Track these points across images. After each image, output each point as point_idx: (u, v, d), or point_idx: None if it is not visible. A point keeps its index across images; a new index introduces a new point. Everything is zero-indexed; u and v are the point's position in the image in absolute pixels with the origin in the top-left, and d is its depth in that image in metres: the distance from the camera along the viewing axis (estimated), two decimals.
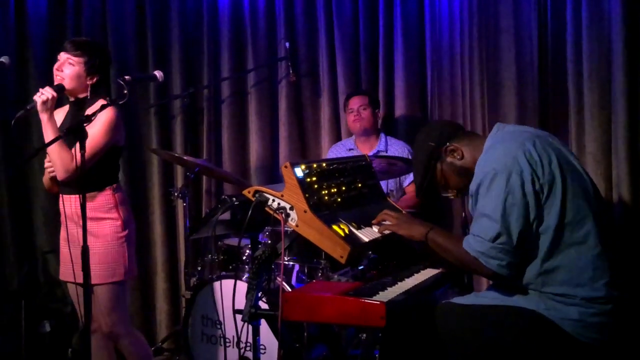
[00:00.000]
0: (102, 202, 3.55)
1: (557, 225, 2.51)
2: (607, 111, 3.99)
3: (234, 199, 3.23)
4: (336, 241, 2.65)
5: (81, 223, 3.34)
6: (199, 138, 5.33)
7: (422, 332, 2.72)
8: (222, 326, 3.96)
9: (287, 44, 5.14)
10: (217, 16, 5.30)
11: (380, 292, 2.56)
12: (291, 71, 5.13)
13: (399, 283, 2.73)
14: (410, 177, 4.81)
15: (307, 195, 2.74)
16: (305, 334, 3.52)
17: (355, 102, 4.93)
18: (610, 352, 2.55)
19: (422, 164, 2.84)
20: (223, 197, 3.36)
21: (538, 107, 4.33)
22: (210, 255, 4.77)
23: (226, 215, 3.57)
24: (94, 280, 3.46)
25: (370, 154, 4.87)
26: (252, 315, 2.73)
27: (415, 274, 2.91)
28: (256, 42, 5.27)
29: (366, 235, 2.81)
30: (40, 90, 3.38)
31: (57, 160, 3.38)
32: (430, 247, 2.77)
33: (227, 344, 4.29)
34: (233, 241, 4.54)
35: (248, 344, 4.17)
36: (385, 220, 2.90)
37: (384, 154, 4.84)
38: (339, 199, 2.94)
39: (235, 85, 5.32)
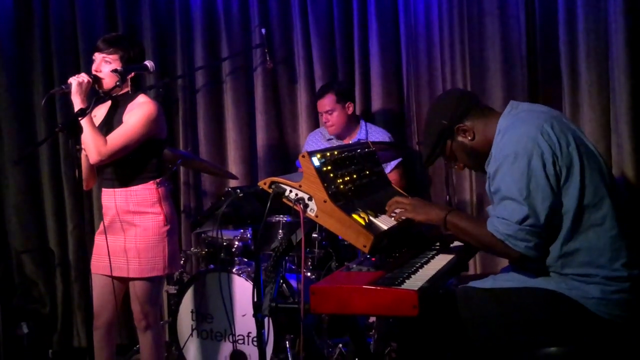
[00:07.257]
0: (145, 195, 3.51)
1: (576, 207, 2.52)
2: (606, 90, 4.00)
3: (238, 190, 3.17)
4: (359, 231, 2.61)
5: (120, 216, 3.38)
6: (174, 129, 5.21)
7: (443, 317, 2.69)
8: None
9: (264, 31, 5.04)
10: (189, 3, 5.16)
11: (406, 281, 2.52)
12: (268, 58, 5.04)
13: (420, 271, 2.70)
14: (392, 164, 4.75)
15: (325, 184, 2.69)
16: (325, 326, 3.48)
17: (322, 106, 4.80)
18: (633, 328, 2.56)
19: (432, 139, 2.81)
20: (227, 189, 3.30)
21: (527, 88, 4.32)
22: (192, 249, 4.70)
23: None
24: (132, 274, 3.49)
25: (351, 142, 4.81)
26: (272, 309, 2.67)
27: (432, 261, 2.88)
28: (230, 30, 5.15)
29: (384, 223, 2.77)
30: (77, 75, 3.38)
31: (91, 143, 3.33)
32: (447, 230, 2.73)
33: (219, 338, 4.24)
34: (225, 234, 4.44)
35: (240, 337, 4.16)
36: (399, 208, 2.86)
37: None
38: (353, 188, 2.89)
39: (210, 74, 5.21)
